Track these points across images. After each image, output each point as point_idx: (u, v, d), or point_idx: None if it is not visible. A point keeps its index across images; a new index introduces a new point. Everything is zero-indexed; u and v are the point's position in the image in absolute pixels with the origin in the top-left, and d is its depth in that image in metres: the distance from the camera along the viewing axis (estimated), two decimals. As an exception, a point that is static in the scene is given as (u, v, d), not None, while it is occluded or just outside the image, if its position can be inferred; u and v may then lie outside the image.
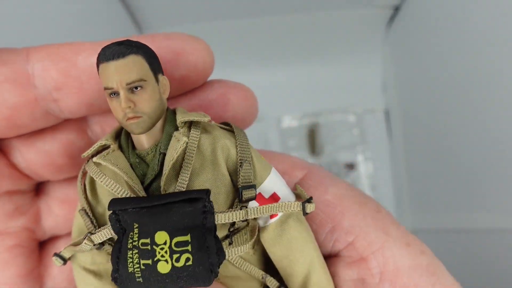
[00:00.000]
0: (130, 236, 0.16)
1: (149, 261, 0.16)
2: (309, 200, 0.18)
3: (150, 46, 0.19)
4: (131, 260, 0.16)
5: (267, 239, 0.19)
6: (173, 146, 0.18)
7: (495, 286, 0.53)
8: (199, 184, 0.18)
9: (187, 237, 0.16)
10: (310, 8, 0.70)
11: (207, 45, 0.21)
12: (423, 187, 0.70)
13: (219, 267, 0.16)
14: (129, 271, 0.16)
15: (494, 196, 0.52)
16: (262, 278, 0.20)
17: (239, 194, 0.18)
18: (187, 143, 0.18)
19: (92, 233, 0.18)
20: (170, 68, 0.20)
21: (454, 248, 0.63)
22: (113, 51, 0.17)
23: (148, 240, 0.16)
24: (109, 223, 0.17)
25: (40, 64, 0.20)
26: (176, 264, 0.16)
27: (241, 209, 0.17)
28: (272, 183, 0.19)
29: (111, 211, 0.17)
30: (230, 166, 0.18)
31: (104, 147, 0.19)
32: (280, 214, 0.18)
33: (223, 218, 0.17)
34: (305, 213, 0.18)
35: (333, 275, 0.19)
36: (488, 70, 0.50)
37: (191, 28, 0.72)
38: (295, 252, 0.19)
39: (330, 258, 0.19)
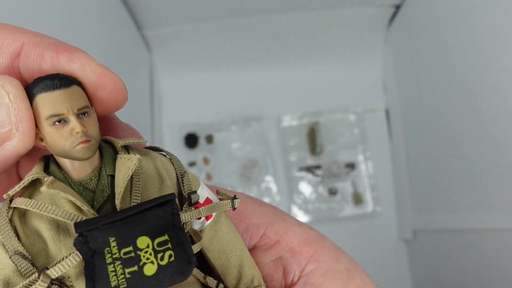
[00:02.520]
0: (106, 252, 0.17)
1: (135, 268, 0.17)
2: (235, 197, 0.21)
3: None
4: (113, 273, 0.17)
5: (205, 239, 0.21)
6: (124, 165, 0.19)
7: (495, 286, 0.53)
8: (150, 197, 0.19)
9: (165, 237, 0.18)
10: (311, 7, 0.70)
11: (119, 79, 0.20)
12: (424, 186, 0.70)
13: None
14: (113, 285, 0.17)
15: (494, 196, 0.52)
16: (204, 278, 0.22)
17: (188, 199, 0.20)
18: (140, 159, 0.19)
19: (47, 268, 0.17)
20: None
21: (454, 248, 0.63)
22: (57, 82, 0.18)
23: (130, 248, 0.17)
24: (71, 250, 0.17)
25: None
26: (161, 263, 0.17)
27: (194, 209, 0.20)
28: (204, 190, 0.21)
29: (78, 235, 0.17)
30: (172, 179, 0.20)
31: (31, 185, 0.19)
32: (214, 214, 0.21)
33: (184, 217, 0.19)
34: (234, 208, 0.21)
35: (256, 263, 0.24)
36: (488, 69, 0.50)
37: (191, 28, 0.72)
38: (229, 245, 0.22)
39: (249, 251, 0.24)
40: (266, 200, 0.77)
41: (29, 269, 0.18)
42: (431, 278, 0.71)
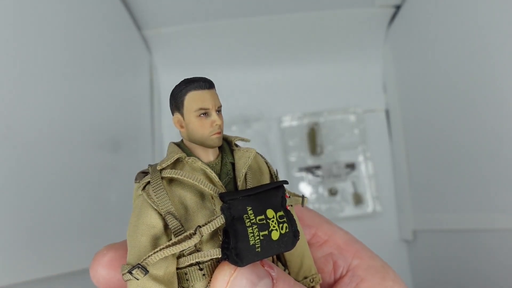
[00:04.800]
0: (245, 217, 0.21)
1: (266, 232, 0.21)
2: (303, 196, 0.26)
3: None
4: (252, 234, 0.21)
5: None
6: (244, 155, 0.24)
7: (496, 286, 0.53)
8: (259, 183, 0.24)
9: (282, 212, 0.22)
10: (311, 7, 0.70)
11: None
12: (424, 187, 0.70)
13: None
14: (251, 243, 0.21)
15: (495, 196, 0.52)
16: (276, 262, 0.26)
17: (284, 190, 0.24)
18: (256, 152, 0.24)
19: (200, 226, 0.21)
20: None
21: (455, 248, 0.63)
22: (205, 84, 0.23)
23: (263, 216, 0.21)
24: (217, 213, 0.22)
25: None
26: (282, 231, 0.22)
27: (289, 197, 0.24)
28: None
29: (224, 202, 0.21)
30: (266, 173, 0.25)
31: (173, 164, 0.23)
32: (289, 207, 0.24)
33: (287, 202, 0.23)
34: (303, 205, 0.26)
35: None
36: (488, 70, 0.50)
37: (191, 28, 0.72)
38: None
39: None
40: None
41: (179, 227, 0.22)
42: (432, 278, 0.71)
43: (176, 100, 0.23)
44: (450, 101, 0.59)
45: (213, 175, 0.22)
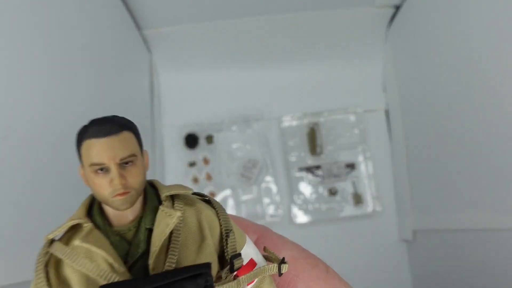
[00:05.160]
0: None
1: None
2: (283, 261, 0.19)
3: None
4: None
5: None
6: (163, 221, 0.17)
7: (496, 286, 0.53)
8: (187, 258, 0.18)
9: None
10: (311, 7, 0.70)
11: None
12: (424, 187, 0.70)
13: None
14: None
15: (495, 196, 0.52)
16: None
17: (231, 265, 0.18)
18: (180, 217, 0.18)
19: None
20: None
21: (454, 248, 0.63)
22: (105, 128, 0.17)
23: None
24: None
25: None
26: None
27: (234, 279, 0.18)
28: (249, 249, 0.19)
29: None
30: (215, 237, 0.19)
31: (72, 228, 0.18)
32: (256, 279, 0.19)
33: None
34: (280, 274, 0.19)
35: None
36: (488, 70, 0.50)
37: (191, 28, 0.72)
38: None
39: None
40: (266, 200, 0.77)
41: None
42: (431, 278, 0.71)
43: (77, 149, 0.18)
44: (450, 101, 0.59)
45: (111, 259, 0.17)
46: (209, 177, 0.77)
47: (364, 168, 0.78)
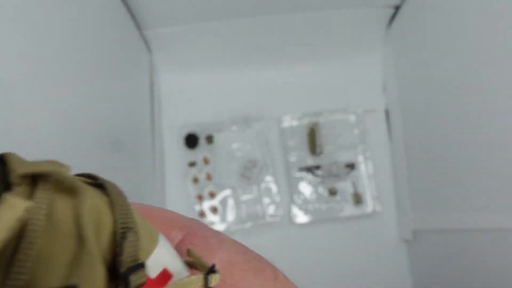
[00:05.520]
0: None
1: None
2: (212, 270, 0.14)
3: None
4: None
5: None
6: (3, 218, 0.10)
7: (496, 286, 0.53)
8: (50, 277, 0.11)
9: None
10: (310, 7, 0.70)
11: None
12: (424, 187, 0.70)
13: None
14: None
15: (495, 196, 0.52)
16: None
17: (125, 281, 0.11)
18: (30, 210, 0.11)
19: None
20: None
21: (454, 248, 0.63)
22: None
23: None
24: None
25: None
26: None
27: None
28: (161, 255, 0.13)
29: None
30: (103, 240, 0.12)
31: None
32: None
33: None
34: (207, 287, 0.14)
35: None
36: (488, 70, 0.50)
37: (191, 28, 0.72)
38: None
39: None
40: (266, 200, 0.77)
41: None
42: (432, 278, 0.71)
43: None
44: (450, 101, 0.59)
45: None
46: (209, 177, 0.77)
47: (364, 168, 0.78)
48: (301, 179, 0.78)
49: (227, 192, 0.77)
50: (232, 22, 0.72)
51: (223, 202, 0.76)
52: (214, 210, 0.76)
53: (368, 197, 0.77)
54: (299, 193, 0.77)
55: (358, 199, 0.77)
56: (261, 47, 0.78)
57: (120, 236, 0.12)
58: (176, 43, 0.75)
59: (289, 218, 0.77)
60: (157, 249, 0.13)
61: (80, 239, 0.11)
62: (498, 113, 0.49)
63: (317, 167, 0.78)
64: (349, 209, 0.77)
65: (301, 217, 0.77)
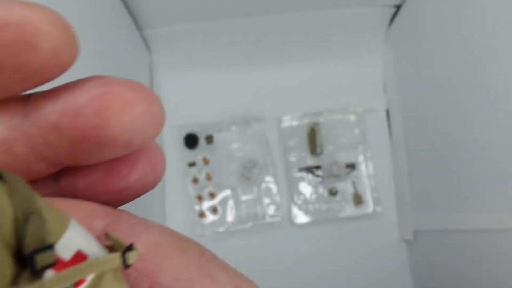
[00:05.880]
0: None
1: None
2: (130, 248, 0.14)
3: None
4: None
5: None
6: None
7: (497, 286, 0.53)
8: None
9: None
10: (310, 7, 0.70)
11: (53, 13, 0.14)
12: (424, 187, 0.70)
13: None
14: None
15: (496, 196, 0.51)
16: None
17: (31, 263, 0.11)
18: None
19: None
20: None
21: (455, 249, 0.63)
22: None
23: None
24: None
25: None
26: None
27: (33, 284, 0.12)
28: (74, 238, 0.13)
29: None
30: (5, 226, 0.12)
31: None
32: (89, 278, 0.13)
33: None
34: (127, 266, 0.13)
35: None
36: (489, 69, 0.50)
37: (191, 28, 0.72)
38: None
39: None
40: (266, 200, 0.76)
41: None
42: (432, 279, 0.71)
43: None
44: (450, 100, 0.59)
45: None
46: (209, 177, 0.77)
47: (364, 168, 0.78)
48: (301, 179, 0.78)
49: (227, 192, 0.77)
50: (232, 22, 0.72)
51: (223, 202, 0.76)
52: (214, 210, 0.76)
53: (368, 197, 0.77)
54: (299, 193, 0.77)
55: (358, 200, 0.77)
56: (261, 47, 0.78)
57: (23, 220, 0.11)
58: (176, 43, 0.75)
59: (289, 218, 0.77)
60: (68, 231, 0.12)
61: None
62: (500, 113, 0.49)
63: (317, 167, 0.78)
64: (350, 210, 0.77)
65: (301, 218, 0.76)
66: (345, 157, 0.78)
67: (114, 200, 0.17)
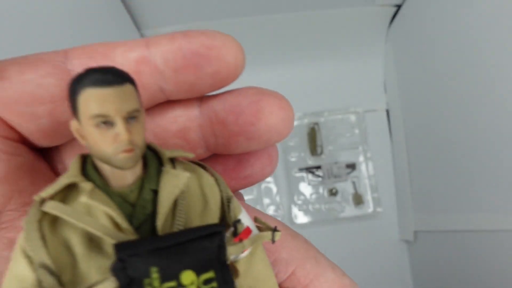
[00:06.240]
0: (146, 283, 0.14)
1: None
2: (275, 229, 0.19)
3: (172, 44, 0.19)
4: None
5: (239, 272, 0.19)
6: (170, 182, 0.16)
7: (497, 287, 0.53)
8: (192, 222, 0.17)
9: (211, 273, 0.15)
10: (310, 6, 0.70)
11: (236, 41, 0.19)
12: (425, 187, 0.70)
13: None
14: None
15: (496, 197, 0.51)
16: None
17: (235, 229, 0.18)
18: (189, 178, 0.17)
19: None
20: (201, 63, 0.19)
21: (456, 249, 0.63)
22: (109, 77, 0.15)
23: (174, 283, 0.14)
24: (102, 272, 0.15)
25: (77, 61, 0.19)
26: None
27: (240, 241, 0.18)
28: (244, 217, 0.19)
29: (118, 258, 0.14)
30: (216, 203, 0.18)
31: (66, 189, 0.16)
32: (249, 249, 0.18)
33: (231, 251, 0.17)
34: (273, 241, 0.19)
35: None
36: (489, 69, 0.50)
37: (191, 27, 0.72)
38: (262, 282, 0.19)
39: None
40: (266, 201, 0.76)
41: (54, 287, 0.15)
42: (432, 279, 0.71)
43: (71, 100, 0.15)
44: (451, 100, 0.59)
45: (119, 219, 0.15)
46: (209, 178, 0.76)
47: (364, 168, 0.78)
48: (301, 179, 0.78)
49: (227, 192, 0.76)
50: (231, 22, 0.71)
51: (223, 202, 0.76)
52: (214, 210, 0.76)
53: (369, 197, 0.77)
54: (299, 193, 0.77)
55: (358, 200, 0.77)
56: (260, 47, 0.78)
57: (227, 201, 0.18)
58: (175, 43, 0.75)
59: (290, 218, 0.77)
60: (242, 214, 0.18)
61: (204, 200, 0.18)
62: (501, 112, 0.49)
63: (317, 167, 0.77)
64: (350, 210, 0.77)
65: (301, 218, 0.76)
66: (345, 157, 0.78)
67: (239, 184, 0.22)
